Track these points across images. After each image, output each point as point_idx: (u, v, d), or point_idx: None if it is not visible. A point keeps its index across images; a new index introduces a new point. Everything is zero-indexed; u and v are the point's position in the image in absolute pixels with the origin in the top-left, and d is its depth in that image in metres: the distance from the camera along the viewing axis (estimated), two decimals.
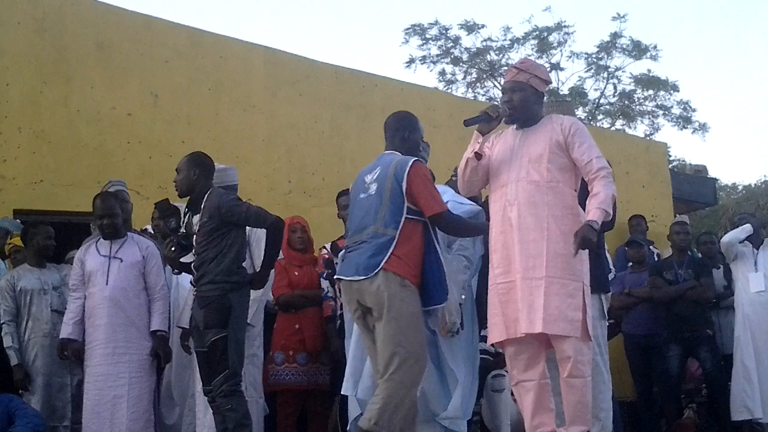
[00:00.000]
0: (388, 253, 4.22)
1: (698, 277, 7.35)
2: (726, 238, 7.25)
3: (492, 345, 4.89)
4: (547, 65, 24.87)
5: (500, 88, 4.54)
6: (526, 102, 4.44)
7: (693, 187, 13.10)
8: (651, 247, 8.76)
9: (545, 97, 4.63)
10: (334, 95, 9.30)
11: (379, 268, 4.21)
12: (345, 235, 4.99)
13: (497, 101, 24.87)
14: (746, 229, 7.07)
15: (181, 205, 6.82)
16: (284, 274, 6.27)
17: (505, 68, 25.08)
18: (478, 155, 4.40)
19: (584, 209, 4.29)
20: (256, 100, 8.74)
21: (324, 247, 6.34)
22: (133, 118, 7.95)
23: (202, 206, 5.03)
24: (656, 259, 8.37)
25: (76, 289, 5.65)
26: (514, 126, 4.50)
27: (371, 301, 4.25)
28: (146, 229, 6.51)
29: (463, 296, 4.58)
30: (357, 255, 4.35)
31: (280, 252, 6.28)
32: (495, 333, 4.32)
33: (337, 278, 4.55)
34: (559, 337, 4.13)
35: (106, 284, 5.51)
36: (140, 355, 5.48)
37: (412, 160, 4.41)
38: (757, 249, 7.13)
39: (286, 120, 8.87)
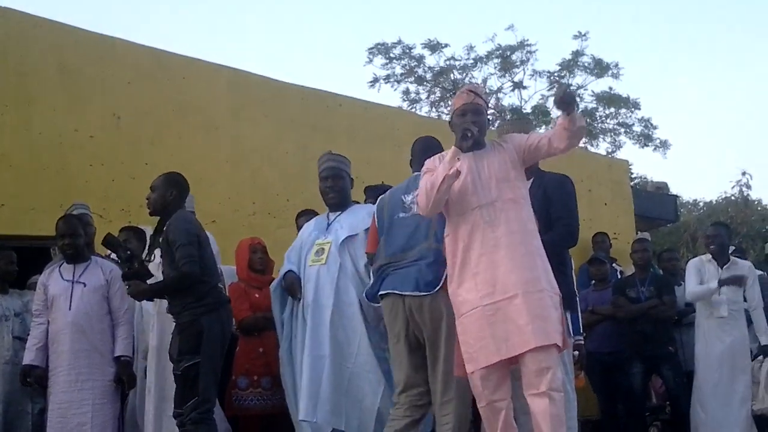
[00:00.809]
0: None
1: (660, 294, 7.38)
2: (695, 291, 7.07)
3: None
4: (509, 84, 25.08)
5: (455, 110, 4.33)
6: (485, 125, 4.53)
7: (654, 204, 13.26)
8: (614, 264, 8.84)
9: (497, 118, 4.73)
10: (299, 116, 9.30)
11: (440, 285, 4.29)
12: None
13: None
14: (713, 289, 6.93)
15: (146, 227, 6.83)
16: (245, 297, 6.15)
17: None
18: (459, 172, 4.34)
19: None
20: (220, 121, 8.72)
21: None
22: (95, 141, 7.90)
23: (165, 228, 4.95)
24: (619, 276, 8.44)
25: (39, 314, 5.59)
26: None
27: (428, 318, 4.29)
28: (109, 255, 6.46)
29: None
30: (415, 271, 4.38)
31: (236, 275, 6.28)
32: (483, 357, 4.19)
33: (389, 292, 4.49)
34: (538, 350, 4.07)
35: (69, 309, 5.47)
36: (104, 381, 5.43)
37: None
38: (722, 268, 7.06)
39: (250, 141, 8.85)
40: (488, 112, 4.67)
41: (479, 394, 4.30)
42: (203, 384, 4.75)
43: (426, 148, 4.85)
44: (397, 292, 4.43)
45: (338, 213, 5.00)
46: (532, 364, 4.11)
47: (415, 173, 4.73)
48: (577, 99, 4.26)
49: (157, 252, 5.05)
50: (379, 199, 4.92)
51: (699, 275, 7.06)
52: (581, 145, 24.76)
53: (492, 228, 4.27)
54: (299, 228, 6.14)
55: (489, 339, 4.19)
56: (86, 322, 5.48)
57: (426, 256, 4.40)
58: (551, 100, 24.54)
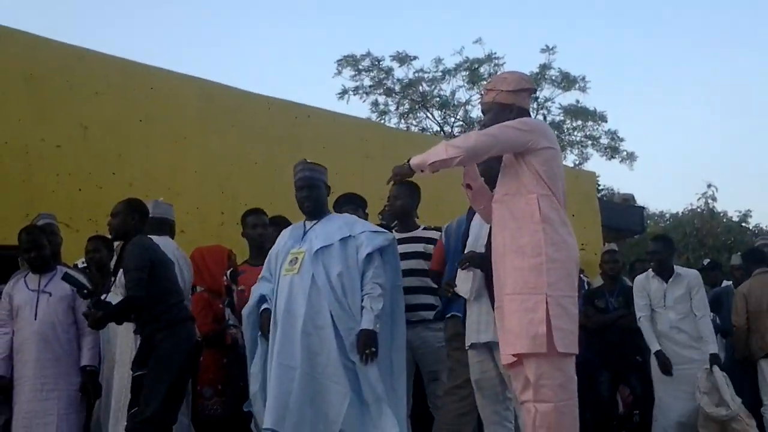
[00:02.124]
0: None
1: (629, 305, 7.40)
2: (642, 327, 6.96)
3: None
4: (477, 96, 25.18)
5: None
6: (495, 123, 4.21)
7: (622, 216, 13.40)
8: (582, 275, 8.89)
9: (511, 111, 4.45)
10: (267, 126, 9.31)
11: None
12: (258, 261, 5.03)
13: (430, 132, 25.07)
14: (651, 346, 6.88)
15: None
16: (209, 308, 6.14)
17: (437, 99, 25.51)
18: (469, 186, 4.30)
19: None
20: (187, 131, 8.69)
21: (225, 275, 6.22)
22: (62, 151, 7.84)
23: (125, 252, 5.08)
24: (586, 287, 8.47)
25: (3, 324, 5.54)
26: None
27: None
28: (76, 265, 6.42)
29: (377, 325, 4.60)
30: None
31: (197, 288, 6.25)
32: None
33: (453, 314, 4.87)
34: (521, 359, 3.91)
35: (35, 319, 5.42)
36: (69, 391, 5.38)
37: None
38: (666, 282, 6.99)
39: (218, 152, 8.84)
40: (504, 98, 4.27)
41: (513, 393, 4.25)
42: (144, 396, 4.83)
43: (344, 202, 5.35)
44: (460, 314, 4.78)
45: (314, 222, 4.96)
46: (516, 376, 4.04)
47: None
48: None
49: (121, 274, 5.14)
50: (447, 225, 5.25)
51: (644, 294, 7.05)
52: None
53: (492, 231, 4.20)
54: (248, 227, 6.08)
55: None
56: (52, 331, 5.43)
57: None
58: None
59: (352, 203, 5.74)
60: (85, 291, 5.10)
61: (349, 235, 4.81)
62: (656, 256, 7.10)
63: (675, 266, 7.14)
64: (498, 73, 4.04)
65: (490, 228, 4.38)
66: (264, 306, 4.93)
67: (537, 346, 3.87)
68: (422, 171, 4.08)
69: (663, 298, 6.94)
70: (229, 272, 6.02)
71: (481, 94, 4.51)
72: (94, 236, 6.53)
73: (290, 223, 5.69)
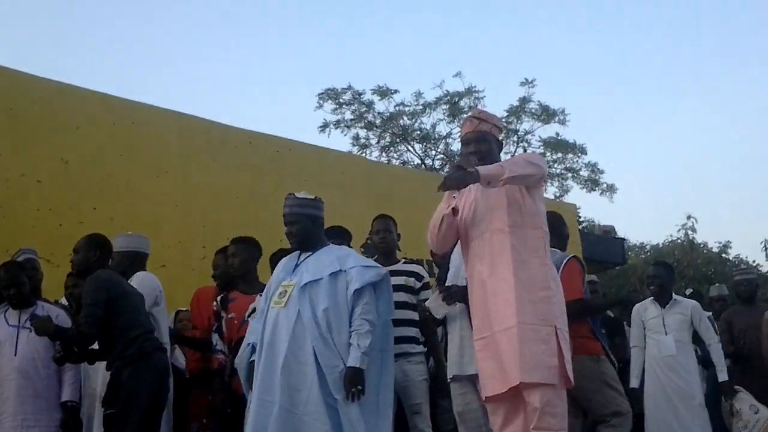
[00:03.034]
0: None
1: (612, 336, 7.40)
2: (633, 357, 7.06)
3: None
4: (458, 130, 25.29)
5: (461, 140, 4.28)
6: (491, 152, 4.35)
7: (602, 247, 13.46)
8: None
9: (500, 149, 4.52)
10: (249, 160, 9.32)
11: None
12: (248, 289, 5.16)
13: (411, 165, 25.14)
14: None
15: None
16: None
17: (418, 132, 25.60)
18: (455, 210, 4.32)
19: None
20: (169, 165, 8.69)
21: (215, 301, 6.21)
22: (43, 185, 7.81)
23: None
24: None
25: None
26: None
27: None
28: (57, 301, 6.37)
29: (365, 362, 4.53)
30: None
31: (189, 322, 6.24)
32: (481, 392, 4.27)
33: None
34: (529, 386, 3.95)
35: (15, 354, 5.39)
36: (50, 427, 5.33)
37: (569, 257, 5.46)
38: (664, 308, 7.04)
39: (199, 185, 8.83)
40: (498, 134, 4.44)
41: (492, 428, 4.27)
42: None
43: (556, 223, 5.34)
44: None
45: (309, 254, 4.94)
46: (526, 403, 4.03)
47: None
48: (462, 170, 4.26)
49: None
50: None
51: (639, 323, 7.08)
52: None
53: (480, 261, 4.21)
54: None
55: (481, 375, 4.19)
56: (32, 367, 5.40)
57: None
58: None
59: (338, 237, 5.73)
60: (60, 352, 5.18)
61: (340, 270, 4.75)
62: (657, 280, 7.11)
63: (674, 294, 7.19)
64: (481, 107, 4.09)
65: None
66: (254, 358, 4.89)
67: (550, 377, 3.96)
68: (489, 183, 4.06)
69: (662, 324, 6.95)
70: (219, 298, 6.01)
71: (469, 121, 4.49)
72: (72, 272, 6.50)
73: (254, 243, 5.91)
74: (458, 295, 4.63)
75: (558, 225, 5.54)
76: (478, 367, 4.26)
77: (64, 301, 6.35)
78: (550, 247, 4.69)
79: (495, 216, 4.21)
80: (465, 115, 4.64)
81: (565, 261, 5.35)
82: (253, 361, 4.78)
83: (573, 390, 4.47)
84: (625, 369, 7.30)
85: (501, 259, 4.14)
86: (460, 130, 4.57)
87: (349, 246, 5.82)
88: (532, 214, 4.24)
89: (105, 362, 5.33)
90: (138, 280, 5.67)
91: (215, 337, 6.00)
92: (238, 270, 5.89)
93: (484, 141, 4.37)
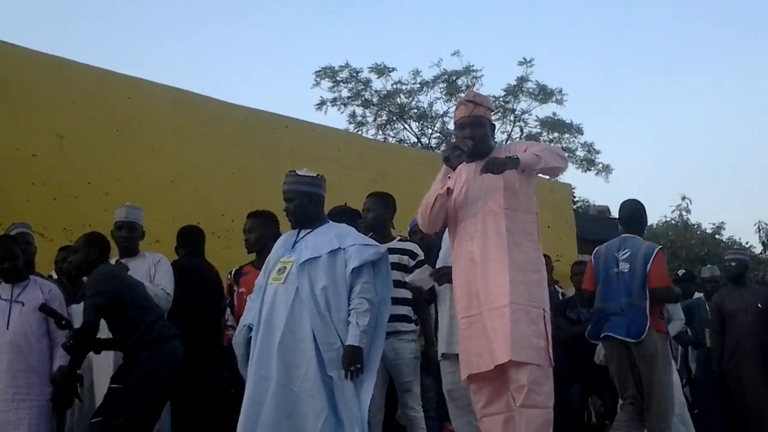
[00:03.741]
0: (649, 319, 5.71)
1: None
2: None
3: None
4: (454, 107, 25.22)
5: (455, 123, 4.43)
6: (485, 136, 4.49)
7: (597, 228, 13.41)
8: (556, 286, 8.93)
9: (493, 132, 4.70)
10: (244, 137, 9.30)
11: (645, 332, 5.69)
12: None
13: (407, 143, 25.11)
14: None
15: None
16: None
17: (415, 110, 25.56)
18: (450, 190, 4.39)
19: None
20: (164, 141, 8.67)
21: (229, 273, 6.20)
22: (37, 160, 7.79)
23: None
24: (561, 298, 8.53)
25: None
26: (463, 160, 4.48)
27: (640, 357, 5.73)
28: (51, 276, 6.39)
29: (364, 340, 4.56)
30: (625, 320, 5.80)
31: None
32: (462, 369, 4.35)
33: (608, 335, 5.89)
34: (516, 365, 4.06)
35: (7, 328, 5.39)
36: (41, 401, 5.35)
37: (657, 248, 5.99)
38: None
39: (194, 161, 8.82)
40: (491, 117, 4.60)
41: (475, 407, 4.35)
42: (114, 407, 4.93)
43: (637, 213, 6.25)
44: (614, 335, 5.83)
45: (308, 231, 4.93)
46: (511, 381, 4.12)
47: (625, 234, 6.13)
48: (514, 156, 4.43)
49: None
50: (596, 249, 6.27)
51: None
52: None
53: (471, 241, 4.29)
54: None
55: (464, 353, 4.26)
56: (24, 341, 5.40)
57: (629, 310, 5.79)
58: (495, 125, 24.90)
59: (347, 217, 5.70)
60: (63, 322, 5.19)
61: (339, 248, 4.75)
62: None
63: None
64: (475, 89, 4.16)
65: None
66: (251, 335, 4.89)
67: (539, 358, 4.11)
68: (524, 171, 4.25)
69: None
70: (233, 271, 6.01)
71: (464, 105, 4.57)
72: (63, 246, 6.53)
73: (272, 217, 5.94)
74: (447, 276, 4.67)
75: (642, 213, 6.29)
76: (462, 346, 4.33)
77: (55, 275, 6.37)
78: (634, 234, 5.89)
79: (490, 197, 4.31)
80: (460, 98, 4.69)
81: (655, 252, 5.91)
82: (250, 338, 4.79)
83: (640, 363, 5.60)
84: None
85: (495, 240, 4.24)
86: (454, 112, 4.63)
87: (358, 226, 5.84)
88: (526, 198, 4.41)
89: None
90: None
91: (227, 312, 6.01)
92: (254, 246, 5.90)
93: (479, 125, 4.48)
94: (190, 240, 6.49)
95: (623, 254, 5.96)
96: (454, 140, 4.46)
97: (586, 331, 6.26)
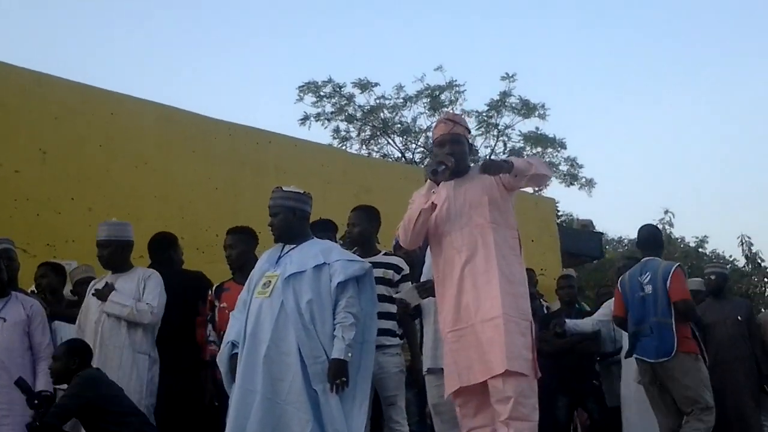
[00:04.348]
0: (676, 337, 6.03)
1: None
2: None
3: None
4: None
5: (435, 140, 4.64)
6: (465, 154, 4.57)
7: (580, 241, 13.52)
8: (541, 300, 8.94)
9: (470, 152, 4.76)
10: (228, 152, 9.32)
11: (674, 351, 5.99)
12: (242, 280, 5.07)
13: (391, 158, 25.15)
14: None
15: (67, 263, 6.73)
16: None
17: (398, 125, 25.60)
18: (434, 205, 4.43)
19: None
20: (148, 156, 8.67)
21: (210, 290, 6.16)
22: (20, 175, 7.79)
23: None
24: (545, 312, 8.53)
25: None
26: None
27: (669, 376, 6.06)
28: (33, 291, 6.36)
29: (349, 354, 4.56)
30: (653, 340, 6.12)
31: None
32: (450, 384, 4.34)
33: (638, 357, 6.28)
34: (503, 376, 4.08)
35: None
36: (24, 417, 5.22)
37: (675, 265, 6.38)
38: None
39: (179, 177, 8.82)
40: (469, 137, 4.70)
41: (460, 420, 4.35)
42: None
43: (656, 239, 6.72)
44: (644, 358, 6.18)
45: (293, 246, 4.94)
46: (494, 393, 4.13)
47: (646, 258, 6.55)
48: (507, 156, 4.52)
49: None
50: (620, 277, 6.67)
51: (608, 312, 7.26)
52: None
53: (459, 255, 4.32)
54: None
55: (453, 366, 4.27)
56: (7, 357, 5.36)
57: (658, 328, 6.12)
58: (478, 139, 24.91)
59: (323, 229, 5.72)
60: (35, 401, 5.04)
61: (324, 263, 4.75)
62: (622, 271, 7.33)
63: None
64: (452, 112, 4.27)
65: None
66: (236, 351, 4.87)
67: (528, 369, 4.15)
68: (516, 176, 4.34)
69: None
70: (214, 287, 5.98)
71: (444, 123, 4.64)
72: (43, 263, 6.50)
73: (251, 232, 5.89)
74: (432, 290, 4.70)
75: (657, 236, 6.93)
76: (449, 359, 4.33)
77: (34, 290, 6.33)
78: (652, 256, 6.48)
79: (476, 212, 4.37)
80: (439, 117, 4.78)
81: (673, 268, 6.32)
82: (235, 354, 4.77)
83: (668, 383, 5.90)
84: (602, 360, 7.38)
85: (483, 253, 4.30)
86: (433, 131, 4.72)
87: (335, 238, 5.84)
88: (508, 214, 4.48)
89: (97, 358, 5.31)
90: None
91: (208, 327, 5.98)
92: (236, 262, 5.87)
93: (458, 143, 4.55)
94: (155, 248, 6.38)
95: (645, 278, 6.37)
96: (437, 157, 4.48)
97: (623, 353, 6.71)
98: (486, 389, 4.20)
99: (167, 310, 5.65)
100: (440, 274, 4.47)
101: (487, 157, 25.63)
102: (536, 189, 5.54)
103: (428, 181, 4.44)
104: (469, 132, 4.71)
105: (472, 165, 4.66)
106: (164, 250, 6.29)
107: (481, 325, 4.19)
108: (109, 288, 5.50)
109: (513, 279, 4.29)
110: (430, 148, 24.48)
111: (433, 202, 4.41)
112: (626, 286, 6.50)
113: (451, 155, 4.44)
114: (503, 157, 5.06)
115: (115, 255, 5.73)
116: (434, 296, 4.67)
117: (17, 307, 5.53)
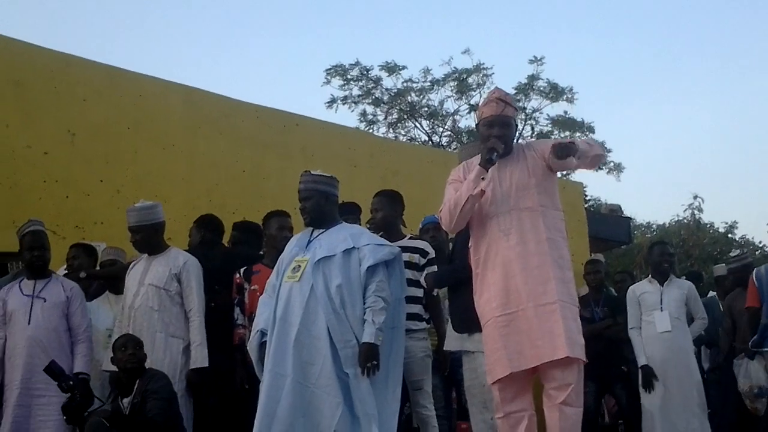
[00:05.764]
0: None
1: (614, 314, 7.46)
2: (633, 339, 7.26)
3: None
4: (466, 107, 25.23)
5: (483, 119, 4.49)
6: (512, 138, 4.51)
7: (608, 226, 13.41)
8: None
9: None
10: (255, 134, 9.30)
11: None
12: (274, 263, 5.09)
13: (418, 141, 25.07)
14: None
15: (97, 245, 6.75)
16: None
17: (426, 108, 25.53)
18: (483, 192, 4.36)
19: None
20: (175, 138, 8.68)
21: (238, 273, 6.16)
22: (49, 157, 7.81)
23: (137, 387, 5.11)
24: None
25: None
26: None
27: None
28: (66, 273, 6.38)
29: (380, 338, 4.55)
30: None
31: None
32: (498, 369, 4.27)
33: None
34: (563, 362, 4.10)
35: (28, 324, 5.40)
36: (59, 398, 5.25)
37: None
38: (662, 285, 7.19)
39: (206, 159, 8.83)
40: (517, 119, 4.60)
41: (497, 405, 4.32)
42: None
43: (343, 210, 5.40)
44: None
45: (322, 231, 4.93)
46: (551, 378, 4.16)
47: None
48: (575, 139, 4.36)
49: None
50: (756, 269, 6.99)
51: (635, 304, 7.27)
52: None
53: (506, 238, 4.28)
54: (269, 228, 6.05)
55: (502, 351, 4.21)
56: (45, 337, 5.40)
57: None
58: None
59: (348, 212, 5.70)
60: (69, 383, 5.07)
61: (353, 247, 4.74)
62: (671, 258, 7.58)
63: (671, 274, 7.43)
64: (502, 90, 4.04)
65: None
66: (265, 339, 4.87)
67: (583, 355, 4.22)
68: (579, 158, 4.28)
69: (659, 301, 7.13)
70: (242, 270, 5.98)
71: (495, 103, 4.51)
72: (74, 244, 6.54)
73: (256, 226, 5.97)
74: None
75: None
76: (498, 343, 4.26)
77: (64, 271, 6.36)
78: None
79: (524, 195, 4.32)
80: (489, 94, 4.60)
81: None
82: (264, 343, 4.78)
83: None
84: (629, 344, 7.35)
85: (533, 236, 4.26)
86: (481, 108, 4.58)
87: (359, 220, 5.81)
88: (554, 197, 4.42)
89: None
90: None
91: (237, 311, 5.97)
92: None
93: (507, 126, 4.46)
94: (209, 227, 6.45)
95: None
96: (488, 141, 4.36)
97: (750, 341, 6.87)
98: (528, 375, 4.19)
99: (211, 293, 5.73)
100: (481, 256, 4.40)
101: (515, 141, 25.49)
102: (596, 169, 5.49)
103: (478, 167, 4.36)
104: (518, 112, 4.62)
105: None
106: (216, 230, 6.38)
107: (534, 310, 4.15)
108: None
109: (563, 264, 4.26)
110: (457, 131, 24.43)
111: (482, 189, 4.35)
112: (763, 279, 6.82)
113: (500, 138, 4.36)
114: (539, 141, 4.95)
115: (148, 238, 5.75)
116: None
117: (57, 289, 5.58)
